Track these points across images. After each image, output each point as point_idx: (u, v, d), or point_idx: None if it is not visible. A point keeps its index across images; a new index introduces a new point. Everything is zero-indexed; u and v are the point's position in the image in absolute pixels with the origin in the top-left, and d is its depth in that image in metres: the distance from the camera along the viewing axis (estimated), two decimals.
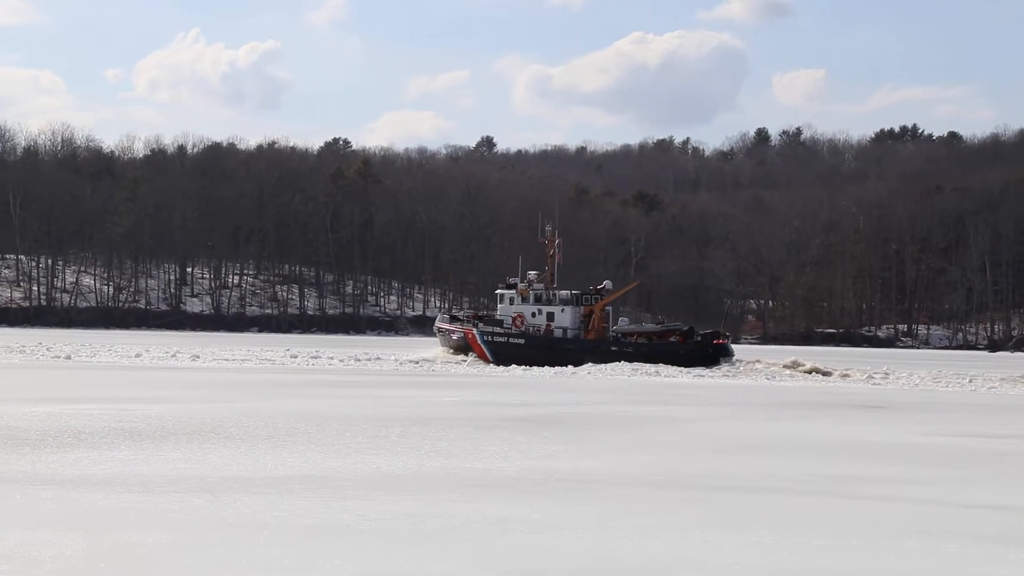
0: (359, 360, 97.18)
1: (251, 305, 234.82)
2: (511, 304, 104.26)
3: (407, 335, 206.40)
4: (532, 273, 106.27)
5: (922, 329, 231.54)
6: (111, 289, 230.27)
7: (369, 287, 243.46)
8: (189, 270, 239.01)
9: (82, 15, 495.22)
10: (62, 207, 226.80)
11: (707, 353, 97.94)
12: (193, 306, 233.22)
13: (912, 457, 34.43)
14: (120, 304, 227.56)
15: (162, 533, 19.53)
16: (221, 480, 25.62)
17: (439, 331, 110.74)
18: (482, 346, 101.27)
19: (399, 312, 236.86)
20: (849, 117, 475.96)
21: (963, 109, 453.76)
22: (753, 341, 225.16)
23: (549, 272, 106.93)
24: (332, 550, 18.60)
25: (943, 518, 23.41)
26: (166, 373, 74.71)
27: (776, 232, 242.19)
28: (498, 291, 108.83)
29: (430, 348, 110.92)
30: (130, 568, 17.22)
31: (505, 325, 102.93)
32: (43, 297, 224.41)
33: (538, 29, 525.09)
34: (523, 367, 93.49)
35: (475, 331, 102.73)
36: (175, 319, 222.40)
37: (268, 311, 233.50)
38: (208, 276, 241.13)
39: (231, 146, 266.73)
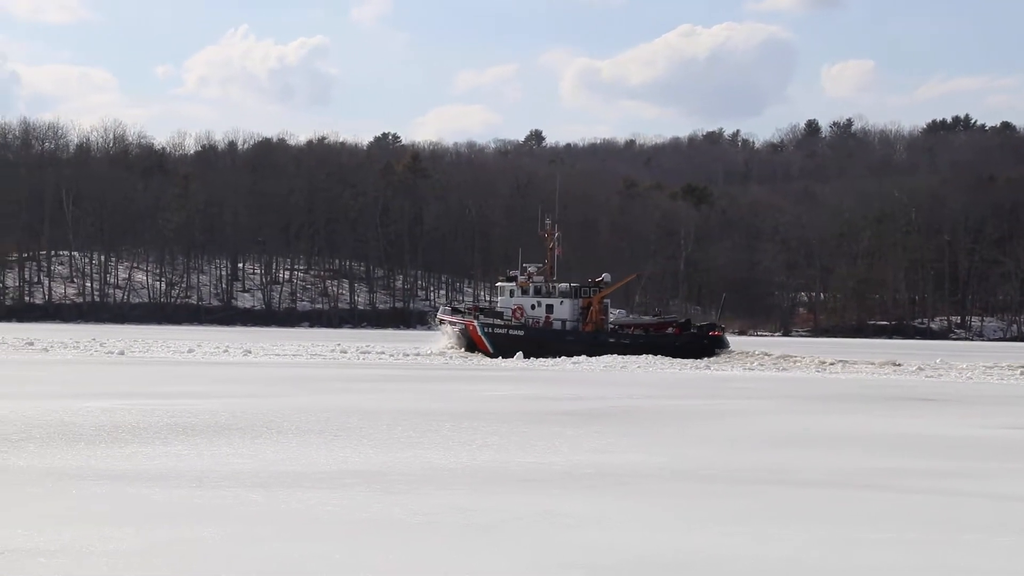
0: (407, 355, 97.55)
1: (302, 300, 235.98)
2: (511, 296, 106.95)
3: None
4: (532, 266, 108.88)
5: (976, 321, 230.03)
6: (163, 285, 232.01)
7: (419, 281, 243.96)
8: (240, 265, 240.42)
9: (130, 12, 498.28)
10: (114, 204, 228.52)
11: (703, 344, 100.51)
12: (244, 301, 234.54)
13: (967, 450, 34.22)
14: (172, 300, 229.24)
15: (216, 527, 19.68)
16: (274, 475, 25.78)
17: (440, 323, 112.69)
18: (482, 337, 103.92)
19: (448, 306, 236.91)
20: (899, 108, 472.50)
21: (1015, 99, 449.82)
22: (804, 334, 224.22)
23: (548, 265, 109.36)
24: (384, 544, 18.70)
25: (998, 511, 23.27)
26: (218, 368, 75.14)
27: (827, 224, 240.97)
28: (499, 284, 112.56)
29: (437, 340, 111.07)
30: (184, 562, 17.36)
31: (505, 317, 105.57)
32: (96, 293, 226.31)
33: (585, 22, 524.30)
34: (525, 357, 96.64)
35: (476, 323, 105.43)
36: (226, 314, 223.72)
37: (319, 306, 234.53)
38: (259, 271, 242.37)
39: (281, 142, 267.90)
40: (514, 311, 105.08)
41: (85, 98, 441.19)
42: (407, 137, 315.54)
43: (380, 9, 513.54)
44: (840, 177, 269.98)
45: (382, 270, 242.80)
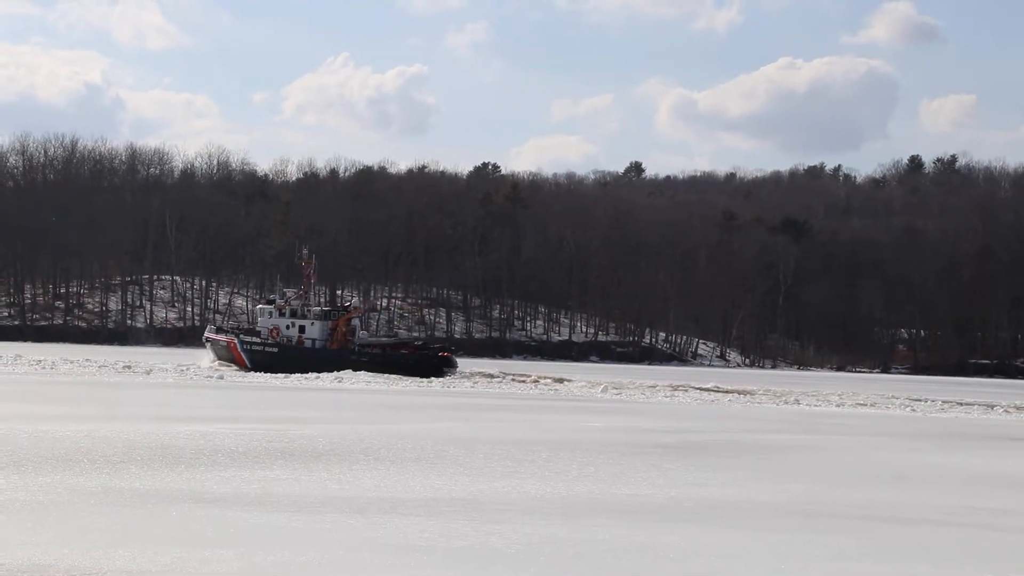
0: (495, 377, 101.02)
1: (399, 328, 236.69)
2: (270, 317, 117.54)
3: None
4: (290, 291, 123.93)
5: None
6: None
7: (515, 311, 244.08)
8: (339, 292, 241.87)
9: (229, 40, 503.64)
10: (216, 229, 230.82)
11: (432, 363, 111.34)
12: None
13: None
14: None
15: (315, 552, 19.77)
16: (371, 501, 25.87)
17: (207, 341, 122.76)
18: (242, 354, 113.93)
19: (544, 336, 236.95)
20: (1003, 144, 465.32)
21: None
22: (904, 371, 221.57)
23: (304, 290, 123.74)
24: (482, 572, 18.67)
25: None
26: (315, 394, 75.65)
27: (929, 260, 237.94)
28: (259, 306, 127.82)
29: (203, 357, 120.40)
30: None
31: (263, 336, 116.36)
32: (197, 317, 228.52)
33: (680, 53, 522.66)
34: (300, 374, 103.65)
35: (236, 341, 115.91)
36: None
37: (415, 334, 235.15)
38: (357, 298, 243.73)
39: (382, 170, 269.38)
40: (271, 331, 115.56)
41: (187, 123, 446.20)
42: (506, 166, 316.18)
43: (476, 37, 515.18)
44: (943, 213, 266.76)
45: (479, 299, 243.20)
